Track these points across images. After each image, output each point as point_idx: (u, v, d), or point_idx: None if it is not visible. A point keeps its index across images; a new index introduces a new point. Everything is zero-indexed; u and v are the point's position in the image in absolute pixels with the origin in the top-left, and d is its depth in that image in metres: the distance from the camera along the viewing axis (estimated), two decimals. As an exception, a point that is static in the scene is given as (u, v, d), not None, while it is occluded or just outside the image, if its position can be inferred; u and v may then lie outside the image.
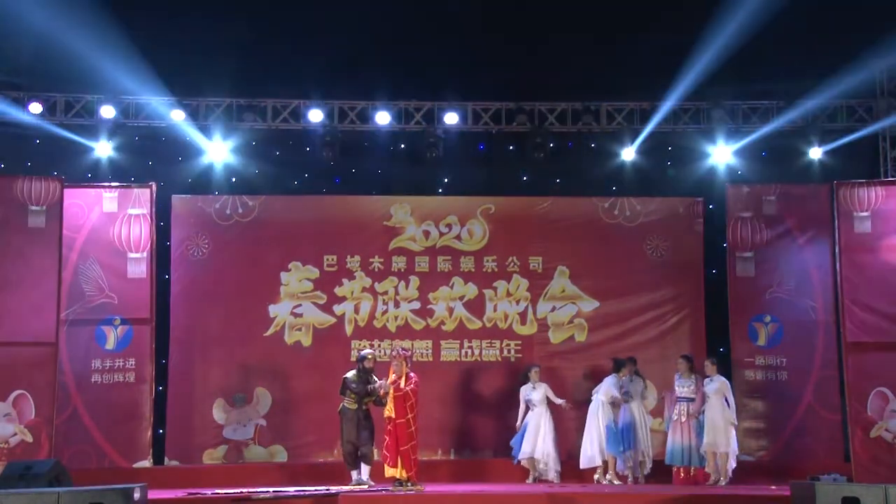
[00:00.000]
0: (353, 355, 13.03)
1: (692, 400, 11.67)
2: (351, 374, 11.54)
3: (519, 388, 12.34)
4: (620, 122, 13.32)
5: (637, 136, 13.23)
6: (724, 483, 11.41)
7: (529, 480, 12.01)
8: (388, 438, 11.03)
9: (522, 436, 12.02)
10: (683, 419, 11.66)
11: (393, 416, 11.00)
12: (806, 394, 12.74)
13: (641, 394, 11.95)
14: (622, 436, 11.76)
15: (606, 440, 11.77)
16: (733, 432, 11.64)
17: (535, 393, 12.07)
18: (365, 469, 11.35)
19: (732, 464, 11.59)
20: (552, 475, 11.92)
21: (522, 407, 12.14)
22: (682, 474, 11.62)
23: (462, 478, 12.28)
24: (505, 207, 13.64)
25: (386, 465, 10.99)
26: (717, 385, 11.66)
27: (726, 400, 11.66)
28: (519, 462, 12.08)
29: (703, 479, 11.57)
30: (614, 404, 11.90)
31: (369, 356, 11.59)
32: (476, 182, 13.65)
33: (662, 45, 12.16)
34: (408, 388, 11.05)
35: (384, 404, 11.17)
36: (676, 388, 11.79)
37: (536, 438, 11.92)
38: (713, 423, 11.51)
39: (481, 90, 13.11)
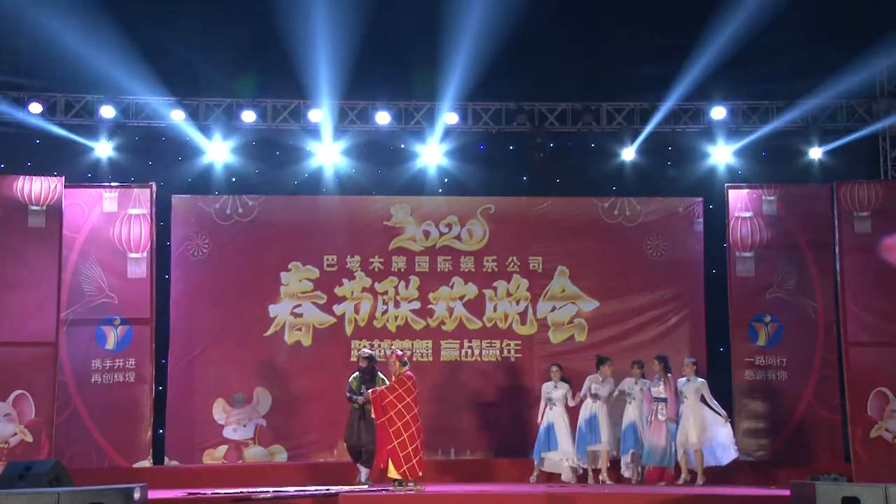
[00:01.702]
0: (353, 355, 13.05)
1: (666, 400, 11.64)
2: (353, 375, 11.60)
3: (522, 386, 12.33)
4: (620, 122, 13.33)
5: (637, 136, 13.25)
6: (699, 483, 11.33)
7: (533, 479, 11.90)
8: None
9: (545, 436, 11.88)
10: (661, 419, 11.64)
11: (373, 416, 11.04)
12: (806, 394, 12.74)
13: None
14: (624, 436, 11.77)
15: (577, 439, 11.81)
16: (720, 431, 11.49)
17: (556, 391, 11.98)
18: (364, 470, 11.37)
19: (721, 460, 11.46)
20: (567, 475, 11.81)
21: (543, 405, 12.00)
22: (655, 474, 11.57)
23: (462, 478, 12.26)
24: (505, 207, 13.64)
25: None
26: (696, 385, 11.59)
27: (704, 400, 11.59)
28: (542, 461, 11.93)
29: (669, 478, 11.47)
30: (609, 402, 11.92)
31: (364, 355, 11.65)
32: (476, 182, 13.65)
33: (662, 45, 12.17)
34: (382, 388, 11.07)
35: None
36: (652, 389, 11.76)
37: (558, 437, 11.85)
38: (688, 420, 11.44)
39: (479, 90, 13.09)
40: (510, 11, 12.37)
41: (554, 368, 12.14)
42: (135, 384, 12.59)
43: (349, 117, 13.24)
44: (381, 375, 11.54)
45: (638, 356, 12.25)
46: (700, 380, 11.70)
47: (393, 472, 10.85)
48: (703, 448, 11.44)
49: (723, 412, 11.61)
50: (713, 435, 11.50)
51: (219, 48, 12.36)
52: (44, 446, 11.74)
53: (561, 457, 11.83)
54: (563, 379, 12.06)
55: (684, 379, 11.69)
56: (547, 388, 12.03)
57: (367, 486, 11.11)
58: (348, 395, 11.54)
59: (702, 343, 13.24)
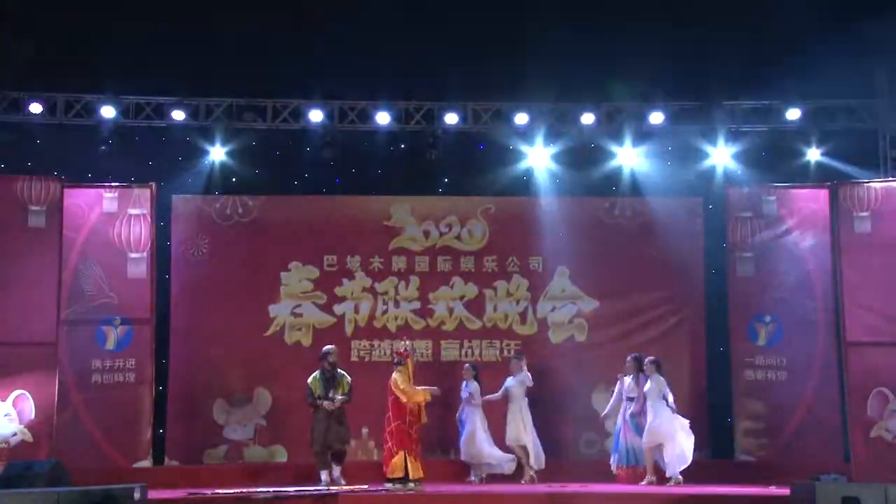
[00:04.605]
0: (354, 355, 13.08)
1: (635, 399, 11.66)
2: (313, 377, 11.65)
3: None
4: (620, 122, 13.30)
5: (637, 136, 13.21)
6: (644, 482, 11.38)
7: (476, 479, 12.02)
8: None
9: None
10: (627, 418, 11.66)
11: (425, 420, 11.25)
12: (806, 394, 12.74)
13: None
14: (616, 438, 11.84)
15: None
16: (678, 432, 11.45)
17: (464, 391, 12.14)
18: (336, 468, 11.41)
19: (678, 465, 11.41)
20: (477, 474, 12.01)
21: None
22: (625, 473, 11.59)
23: (462, 478, 12.25)
24: (505, 207, 13.64)
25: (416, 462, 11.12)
26: (652, 384, 11.57)
27: (665, 399, 11.55)
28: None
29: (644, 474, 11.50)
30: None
31: (333, 352, 11.76)
32: (476, 182, 13.64)
33: (663, 44, 12.17)
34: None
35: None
36: (626, 389, 11.77)
37: (476, 438, 12.01)
38: (651, 422, 11.47)
39: (480, 90, 13.09)
40: (511, 11, 12.39)
41: (466, 367, 12.24)
42: (135, 384, 12.58)
43: (349, 117, 13.22)
44: (343, 372, 11.66)
45: (649, 357, 12.18)
46: (659, 378, 11.60)
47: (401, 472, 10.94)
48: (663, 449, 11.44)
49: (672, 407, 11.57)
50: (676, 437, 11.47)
51: (219, 48, 12.34)
52: (44, 446, 11.73)
53: (475, 458, 11.96)
54: (475, 378, 12.15)
55: (644, 378, 11.70)
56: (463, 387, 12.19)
57: (342, 486, 11.12)
58: (312, 398, 11.55)
59: (702, 343, 13.26)
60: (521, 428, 11.91)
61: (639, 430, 11.57)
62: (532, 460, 11.87)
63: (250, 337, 13.23)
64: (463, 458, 12.07)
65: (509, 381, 12.12)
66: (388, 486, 10.97)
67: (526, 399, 12.07)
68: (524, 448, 11.88)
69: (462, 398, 12.16)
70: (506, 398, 12.08)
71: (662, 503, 10.55)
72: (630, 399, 11.73)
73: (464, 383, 12.18)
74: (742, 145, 13.21)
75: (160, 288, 12.95)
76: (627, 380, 11.84)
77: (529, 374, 12.10)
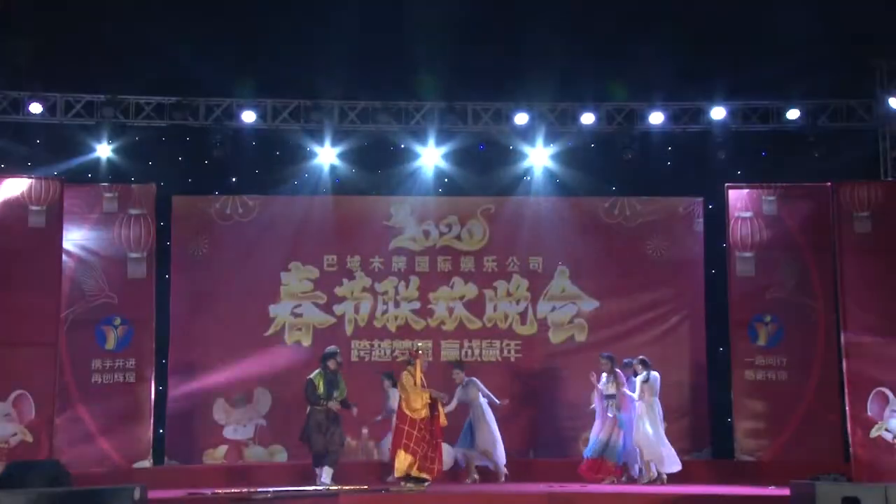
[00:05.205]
0: (354, 355, 13.09)
1: (614, 396, 11.63)
2: (316, 373, 11.56)
3: (522, 386, 12.36)
4: (620, 122, 13.30)
5: (637, 136, 13.21)
6: (645, 481, 11.41)
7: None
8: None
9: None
10: (610, 415, 11.64)
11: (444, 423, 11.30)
12: (806, 394, 12.72)
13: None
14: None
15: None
16: (650, 434, 11.53)
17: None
18: (328, 471, 11.36)
19: (657, 469, 11.49)
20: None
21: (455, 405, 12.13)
22: (592, 467, 11.60)
23: (462, 478, 12.25)
24: (505, 207, 13.65)
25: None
26: (637, 385, 11.63)
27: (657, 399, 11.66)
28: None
29: (616, 472, 11.51)
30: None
31: (337, 351, 11.71)
32: (476, 182, 13.64)
33: (663, 44, 12.17)
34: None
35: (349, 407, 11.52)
36: (602, 387, 11.75)
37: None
38: (645, 422, 11.54)
39: (480, 90, 13.09)
40: (511, 12, 12.38)
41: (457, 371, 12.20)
42: (135, 384, 12.59)
43: (349, 117, 13.22)
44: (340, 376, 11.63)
45: (638, 356, 12.21)
46: (643, 377, 11.68)
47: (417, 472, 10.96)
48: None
49: (656, 416, 11.64)
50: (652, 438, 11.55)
51: (219, 48, 12.35)
52: (44, 446, 11.73)
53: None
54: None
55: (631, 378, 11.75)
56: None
57: (330, 489, 11.10)
58: (317, 396, 11.44)
59: (702, 343, 13.26)
60: (486, 432, 11.84)
61: (624, 427, 11.58)
62: (496, 459, 11.86)
63: (250, 337, 13.23)
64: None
65: (458, 392, 12.03)
66: (390, 480, 11.01)
67: (483, 403, 11.97)
68: (492, 452, 11.84)
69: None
70: (467, 407, 12.02)
71: (662, 503, 10.55)
72: (608, 397, 11.68)
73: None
74: (742, 145, 13.20)
75: (160, 288, 12.95)
76: (603, 377, 11.77)
77: (481, 385, 12.03)
